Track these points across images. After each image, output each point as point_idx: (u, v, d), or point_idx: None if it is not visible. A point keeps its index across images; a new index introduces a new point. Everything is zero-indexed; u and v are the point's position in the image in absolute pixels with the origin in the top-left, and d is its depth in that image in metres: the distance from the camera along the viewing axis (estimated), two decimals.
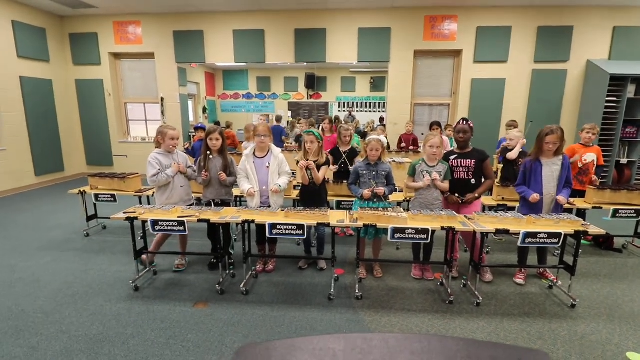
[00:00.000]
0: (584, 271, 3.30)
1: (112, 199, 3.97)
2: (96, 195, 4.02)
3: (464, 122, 3.09)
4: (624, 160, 6.38)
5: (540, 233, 2.55)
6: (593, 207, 3.50)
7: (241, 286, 2.89)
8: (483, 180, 3.09)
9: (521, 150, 3.93)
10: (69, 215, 5.01)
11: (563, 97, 6.87)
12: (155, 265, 3.29)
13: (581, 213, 3.61)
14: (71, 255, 3.66)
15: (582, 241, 3.88)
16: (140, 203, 4.00)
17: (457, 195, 3.05)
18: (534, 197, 2.85)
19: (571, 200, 3.51)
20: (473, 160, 3.03)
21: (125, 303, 2.74)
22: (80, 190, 4.10)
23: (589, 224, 2.67)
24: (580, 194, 3.74)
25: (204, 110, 12.15)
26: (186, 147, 6.74)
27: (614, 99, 6.17)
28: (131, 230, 2.90)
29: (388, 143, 5.51)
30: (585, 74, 6.70)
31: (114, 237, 4.21)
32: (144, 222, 2.86)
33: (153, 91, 7.90)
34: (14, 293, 2.88)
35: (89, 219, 4.30)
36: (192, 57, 7.50)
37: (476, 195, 3.01)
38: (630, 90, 6.11)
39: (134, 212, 2.84)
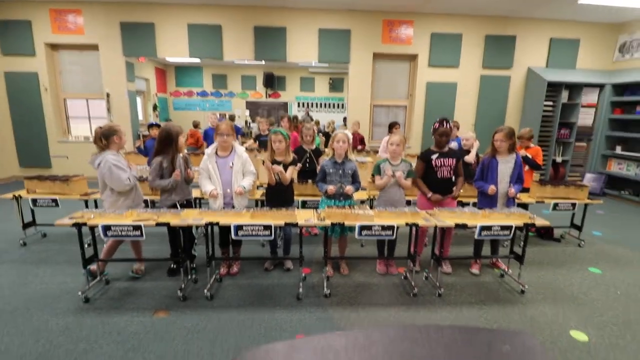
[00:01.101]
0: (530, 260, 3.60)
1: (54, 204, 3.60)
2: (34, 200, 3.61)
3: (446, 124, 3.11)
4: (559, 159, 7.08)
5: (494, 226, 2.74)
6: (536, 202, 3.84)
7: (205, 291, 2.76)
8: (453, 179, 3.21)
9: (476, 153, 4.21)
10: (0, 224, 4.45)
11: (507, 101, 7.45)
12: (106, 274, 3.03)
13: (524, 207, 3.94)
14: (5, 267, 3.25)
15: (530, 233, 4.26)
16: (87, 207, 3.67)
17: (439, 195, 3.15)
18: (492, 188, 3.08)
19: (518, 195, 3.81)
20: (454, 159, 3.15)
21: (74, 316, 2.49)
22: (14, 195, 3.67)
23: (535, 216, 2.92)
24: (524, 190, 4.08)
25: (155, 107, 11.48)
26: (138, 146, 6.35)
27: (551, 103, 6.83)
28: (79, 238, 2.64)
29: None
30: (526, 80, 7.33)
31: (56, 245, 3.81)
32: (93, 227, 2.61)
33: (97, 86, 7.29)
34: None
35: (26, 226, 3.85)
36: (142, 50, 7.04)
37: (455, 195, 3.18)
38: (564, 96, 6.80)
39: (82, 217, 2.60)
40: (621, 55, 7.11)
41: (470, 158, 4.12)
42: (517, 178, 3.17)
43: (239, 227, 2.53)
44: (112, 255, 3.01)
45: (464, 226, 2.77)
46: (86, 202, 3.70)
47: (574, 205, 3.81)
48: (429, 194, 3.14)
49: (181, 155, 3.03)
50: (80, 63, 7.27)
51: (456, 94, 7.39)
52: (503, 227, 2.75)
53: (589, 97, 6.87)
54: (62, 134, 7.42)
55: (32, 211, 3.88)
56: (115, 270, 3.17)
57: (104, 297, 2.76)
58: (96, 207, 3.65)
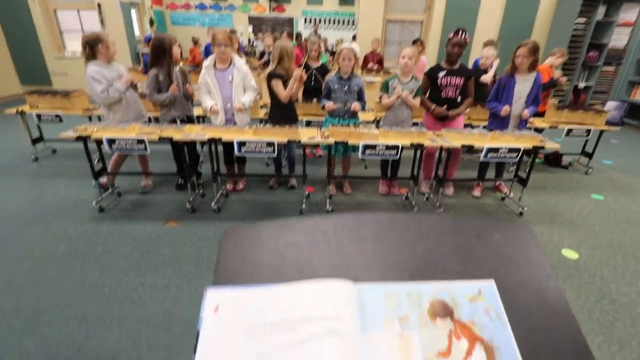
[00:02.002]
0: (534, 185, 3.61)
1: (58, 119, 3.58)
2: (38, 115, 3.58)
3: (462, 34, 2.82)
4: (582, 85, 6.65)
5: (502, 148, 2.68)
6: (550, 127, 3.70)
7: (212, 204, 2.87)
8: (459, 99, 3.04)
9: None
10: (10, 141, 4.51)
11: (535, 19, 6.73)
12: (117, 187, 3.14)
13: (538, 132, 3.82)
14: (21, 181, 3.38)
15: (537, 160, 4.20)
16: (90, 121, 3.65)
17: (443, 109, 2.97)
18: (505, 109, 2.94)
19: (530, 120, 3.66)
20: (462, 78, 2.91)
21: (90, 224, 2.65)
22: (18, 110, 3.63)
23: (546, 139, 2.83)
24: (539, 115, 3.90)
25: (151, 22, 10.68)
26: (142, 70, 5.94)
27: (583, 20, 6.15)
28: (85, 151, 2.68)
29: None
30: None
31: (66, 160, 3.90)
32: (99, 142, 2.62)
33: None
34: None
35: (35, 141, 3.90)
36: None
37: (459, 111, 3.00)
38: (601, 12, 6.08)
39: (85, 130, 2.59)
40: None
41: (487, 78, 3.87)
42: (533, 100, 2.99)
43: (241, 144, 2.52)
44: (119, 169, 3.06)
45: (470, 148, 2.72)
46: (90, 117, 3.67)
47: (588, 132, 3.66)
48: (432, 106, 2.99)
49: (178, 68, 2.88)
50: None
51: (479, 9, 6.67)
52: (511, 150, 2.69)
53: (628, 14, 6.14)
54: (57, 49, 7.08)
55: (39, 127, 3.89)
56: (127, 184, 3.27)
57: (117, 208, 2.91)
58: (99, 121, 3.63)
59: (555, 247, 2.58)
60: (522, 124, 3.10)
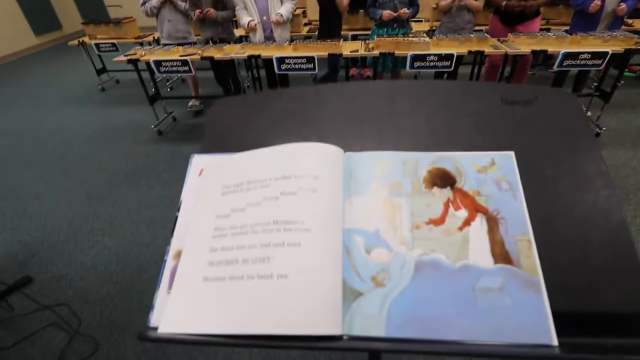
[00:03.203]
0: (619, 102, 3.04)
1: (114, 48, 3.75)
2: (97, 45, 3.78)
3: None
4: None
5: (583, 53, 2.23)
6: None
7: None
8: None
9: None
10: (79, 72, 4.92)
11: None
12: (172, 112, 3.32)
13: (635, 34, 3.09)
14: (93, 108, 3.75)
15: (626, 73, 3.48)
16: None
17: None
18: (596, 3, 2.37)
19: (629, 21, 2.95)
20: None
21: (152, 145, 2.90)
22: (79, 41, 3.87)
23: None
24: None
25: None
26: None
27: None
28: (137, 73, 2.81)
29: None
30: None
31: (128, 89, 4.19)
32: (153, 73, 2.73)
33: None
34: (51, 142, 3.09)
35: (99, 72, 4.20)
36: None
37: (539, 2, 2.47)
38: None
39: (135, 55, 2.68)
40: None
41: None
42: None
43: (281, 60, 2.42)
44: (198, 90, 3.28)
45: (545, 58, 2.30)
46: (141, 43, 3.79)
47: None
48: (504, 1, 2.50)
49: None
50: None
51: None
52: (594, 55, 2.22)
53: None
54: None
55: (100, 57, 4.14)
56: (182, 110, 3.45)
57: (173, 131, 3.12)
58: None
59: (633, 170, 2.24)
60: (617, 23, 2.50)
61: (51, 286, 1.70)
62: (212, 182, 0.45)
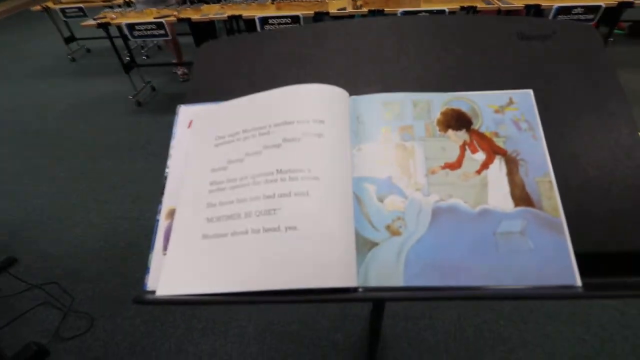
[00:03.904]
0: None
1: (82, 13, 3.46)
2: (63, 10, 3.48)
3: None
4: None
5: (576, 7, 2.17)
6: None
7: None
8: None
9: None
10: (46, 42, 4.56)
11: None
12: (150, 82, 3.14)
13: None
14: (65, 80, 3.52)
15: (616, 30, 3.45)
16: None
17: None
18: None
19: None
20: None
21: (132, 117, 2.76)
22: (42, 6, 3.55)
23: None
24: None
25: None
26: None
27: None
28: (109, 40, 2.62)
29: None
30: None
31: (101, 58, 3.93)
32: (126, 39, 2.53)
33: None
34: (23, 117, 2.90)
35: (67, 41, 3.90)
36: None
37: None
38: None
39: (105, 18, 2.48)
40: None
41: None
42: None
43: (264, 21, 2.28)
44: (181, 56, 3.05)
45: (535, 10, 2.23)
46: (111, 6, 3.51)
47: None
48: None
49: None
50: None
51: None
52: (587, 9, 2.17)
53: None
54: None
55: (67, 24, 3.84)
56: (160, 79, 3.27)
57: (153, 101, 2.97)
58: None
59: None
60: None
61: (38, 265, 1.65)
62: (204, 133, 0.41)
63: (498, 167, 0.38)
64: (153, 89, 3.13)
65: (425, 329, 1.29)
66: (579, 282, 0.33)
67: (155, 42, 4.11)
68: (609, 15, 2.27)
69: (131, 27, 2.39)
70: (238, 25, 2.54)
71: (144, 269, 0.37)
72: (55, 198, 2.04)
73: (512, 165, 0.38)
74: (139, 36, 2.45)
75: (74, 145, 2.47)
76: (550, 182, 0.37)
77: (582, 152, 0.39)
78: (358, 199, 0.36)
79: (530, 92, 0.41)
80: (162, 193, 0.40)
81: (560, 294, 0.33)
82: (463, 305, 1.34)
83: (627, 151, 0.39)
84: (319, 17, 2.31)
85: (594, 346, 1.19)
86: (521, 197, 0.36)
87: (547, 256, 0.34)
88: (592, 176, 0.38)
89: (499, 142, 0.39)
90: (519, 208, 0.36)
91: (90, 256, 1.68)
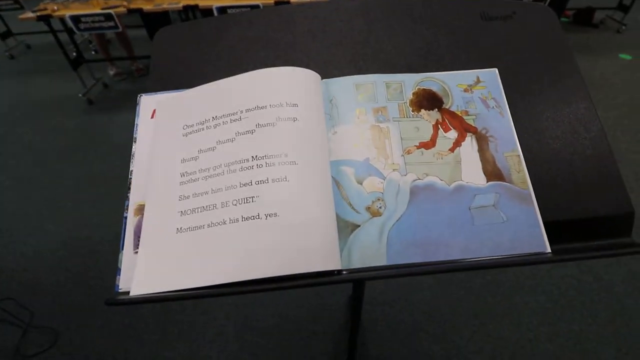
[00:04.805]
0: None
1: (17, 5, 3.16)
2: None
3: None
4: None
5: None
6: None
7: None
8: None
9: None
10: None
11: None
12: (101, 78, 2.94)
13: None
14: (4, 80, 3.20)
15: (562, 18, 3.69)
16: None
17: None
18: None
19: None
20: None
21: (83, 116, 2.58)
22: None
23: None
24: None
25: None
26: None
27: None
28: (52, 34, 2.41)
29: None
30: None
31: (44, 55, 3.60)
32: (72, 33, 2.33)
33: None
34: None
35: (3, 36, 3.55)
36: None
37: None
38: None
39: (45, 10, 2.27)
40: None
41: None
42: None
43: (222, 10, 2.20)
44: (108, 53, 2.86)
45: None
46: None
47: None
48: None
49: None
50: None
51: None
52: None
53: None
54: None
55: (2, 18, 3.49)
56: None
57: (106, 99, 2.78)
58: None
59: None
60: None
61: None
62: (170, 123, 0.38)
63: (470, 145, 0.39)
64: (105, 85, 2.93)
65: (402, 311, 1.33)
66: (548, 248, 0.35)
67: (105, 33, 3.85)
68: (556, 3, 2.41)
69: (76, 19, 2.21)
70: (194, 16, 2.43)
71: (110, 275, 0.35)
72: (2, 209, 1.87)
73: (482, 142, 0.39)
74: (86, 29, 2.27)
75: (20, 150, 2.27)
76: (519, 156, 0.38)
77: (545, 126, 0.41)
78: (337, 183, 0.36)
79: (495, 70, 0.43)
80: (128, 188, 0.37)
81: (532, 260, 0.35)
82: (436, 286, 1.39)
83: (585, 124, 0.41)
84: (282, 4, 2.26)
85: (556, 313, 1.29)
86: (493, 172, 0.38)
87: (518, 226, 0.36)
88: (555, 149, 0.40)
89: (470, 120, 0.40)
90: (491, 182, 0.37)
91: (49, 267, 1.56)
